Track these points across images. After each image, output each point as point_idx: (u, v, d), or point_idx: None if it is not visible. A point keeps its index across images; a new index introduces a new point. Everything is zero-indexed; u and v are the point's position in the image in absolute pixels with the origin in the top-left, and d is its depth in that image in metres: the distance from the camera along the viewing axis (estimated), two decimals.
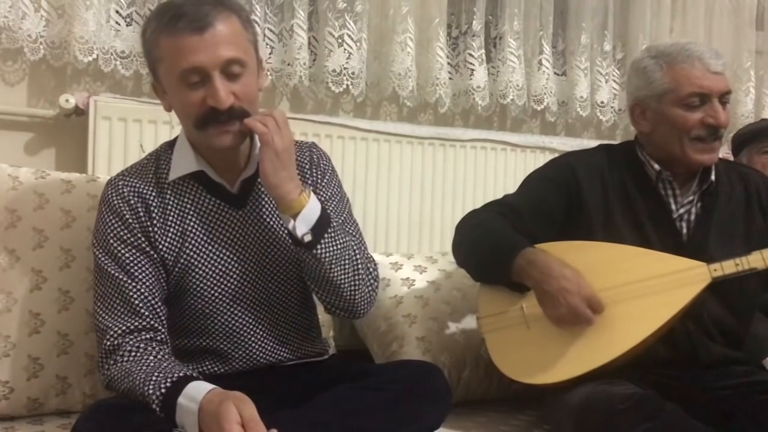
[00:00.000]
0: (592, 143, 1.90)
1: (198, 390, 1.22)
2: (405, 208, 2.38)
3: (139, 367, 1.29)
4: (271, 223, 1.46)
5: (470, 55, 2.51)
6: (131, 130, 2.01)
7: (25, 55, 1.97)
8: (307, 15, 2.25)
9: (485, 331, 1.67)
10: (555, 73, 2.71)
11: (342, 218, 1.49)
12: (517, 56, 2.56)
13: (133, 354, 1.32)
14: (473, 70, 2.50)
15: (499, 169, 2.52)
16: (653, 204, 1.67)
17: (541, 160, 2.55)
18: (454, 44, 2.57)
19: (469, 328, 1.88)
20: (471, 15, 2.51)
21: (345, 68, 2.28)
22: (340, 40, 2.28)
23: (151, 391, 1.23)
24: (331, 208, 1.46)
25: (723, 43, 2.91)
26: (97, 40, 2.00)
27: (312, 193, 1.39)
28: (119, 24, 2.10)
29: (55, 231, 1.58)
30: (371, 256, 1.52)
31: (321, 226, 1.37)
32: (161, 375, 1.26)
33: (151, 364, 1.30)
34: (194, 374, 1.28)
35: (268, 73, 2.20)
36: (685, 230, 1.66)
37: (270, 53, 2.24)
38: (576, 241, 1.62)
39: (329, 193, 1.50)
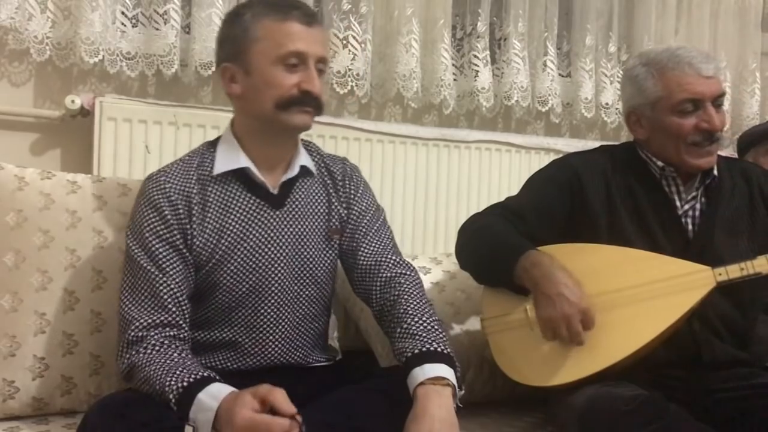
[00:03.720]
0: (597, 145, 1.89)
1: (221, 390, 1.23)
2: (409, 209, 2.38)
3: (162, 359, 1.30)
4: (307, 226, 1.51)
5: (475, 56, 2.51)
6: (136, 131, 2.01)
7: (31, 56, 1.98)
8: None
9: (488, 333, 1.67)
10: (560, 75, 2.71)
11: (376, 226, 1.57)
12: (522, 57, 2.55)
13: (156, 348, 1.33)
14: (478, 71, 2.50)
15: (504, 171, 2.52)
16: (658, 201, 1.67)
17: (545, 161, 2.53)
18: (459, 45, 2.58)
19: (472, 330, 1.88)
20: (476, 16, 2.51)
21: (350, 69, 2.29)
22: (344, 42, 2.28)
23: (173, 382, 1.24)
24: (367, 219, 1.57)
25: (728, 44, 2.91)
26: (103, 41, 2.01)
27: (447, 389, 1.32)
28: (125, 25, 2.11)
29: (60, 231, 1.59)
30: (409, 265, 1.57)
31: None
32: (185, 371, 1.27)
33: (175, 359, 1.31)
34: (218, 377, 1.28)
35: None
36: (690, 227, 1.66)
37: None
38: (579, 244, 1.62)
39: (365, 205, 1.58)
